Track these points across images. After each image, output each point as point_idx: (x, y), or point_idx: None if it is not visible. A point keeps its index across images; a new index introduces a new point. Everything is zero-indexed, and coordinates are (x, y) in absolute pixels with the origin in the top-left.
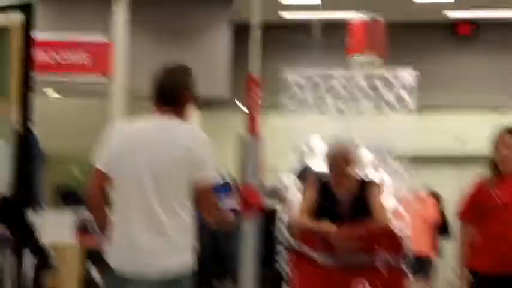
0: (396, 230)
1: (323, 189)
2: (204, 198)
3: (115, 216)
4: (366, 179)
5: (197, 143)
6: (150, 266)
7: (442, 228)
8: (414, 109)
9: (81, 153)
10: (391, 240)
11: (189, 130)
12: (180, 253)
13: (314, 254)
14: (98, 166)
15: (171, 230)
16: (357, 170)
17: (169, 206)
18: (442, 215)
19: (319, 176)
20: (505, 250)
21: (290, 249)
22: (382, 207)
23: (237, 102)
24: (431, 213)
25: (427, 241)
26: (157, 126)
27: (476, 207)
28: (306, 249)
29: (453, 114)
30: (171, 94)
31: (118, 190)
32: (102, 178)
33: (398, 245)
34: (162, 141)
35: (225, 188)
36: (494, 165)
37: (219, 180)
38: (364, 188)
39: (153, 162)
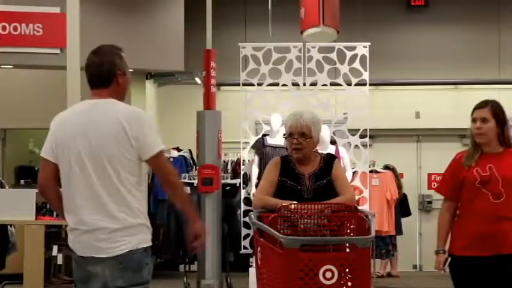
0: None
1: (284, 165)
2: (156, 170)
3: (65, 203)
4: (328, 154)
5: (132, 119)
6: (100, 248)
7: (399, 204)
8: (369, 82)
9: (37, 127)
10: (356, 218)
11: (122, 109)
12: (127, 231)
13: (276, 234)
14: (44, 156)
15: (116, 210)
16: (318, 146)
17: (113, 187)
18: (399, 189)
19: (278, 152)
20: (484, 231)
21: (255, 230)
22: (347, 183)
23: (192, 75)
24: (391, 188)
25: (388, 218)
26: (92, 109)
27: (455, 183)
28: (268, 229)
29: (409, 89)
30: (101, 75)
31: (64, 177)
32: (50, 167)
33: (363, 224)
34: (97, 122)
35: (181, 163)
36: (474, 140)
37: (162, 149)
38: (327, 163)
39: (92, 145)
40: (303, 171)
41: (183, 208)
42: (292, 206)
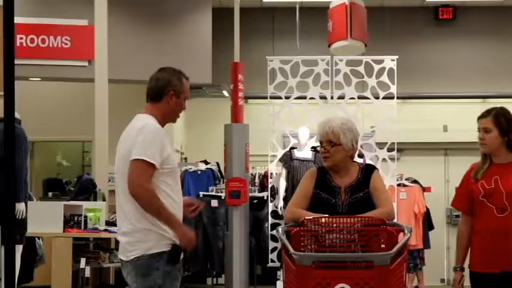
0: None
1: (320, 177)
2: (129, 173)
3: None
4: (367, 165)
5: (138, 133)
6: (122, 251)
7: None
8: (397, 96)
9: (65, 140)
10: (387, 233)
11: (140, 124)
12: (136, 236)
13: (290, 248)
14: None
15: (130, 216)
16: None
17: (126, 194)
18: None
19: (315, 165)
20: (491, 247)
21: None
22: (386, 195)
23: (220, 88)
24: (419, 202)
25: (415, 231)
26: (131, 123)
27: (468, 196)
28: (285, 243)
29: (437, 102)
30: (153, 90)
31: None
32: None
33: (394, 239)
34: (125, 136)
35: (208, 175)
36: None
37: (142, 159)
38: (365, 174)
39: (119, 157)
40: (339, 183)
41: (158, 219)
42: (321, 219)
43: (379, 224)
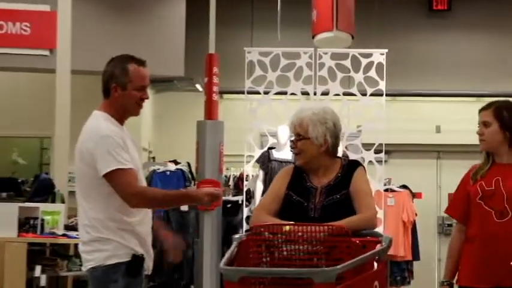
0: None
1: (295, 176)
2: (113, 187)
3: None
4: (350, 161)
5: (90, 137)
6: (83, 260)
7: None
8: (385, 93)
9: (22, 135)
10: (353, 246)
11: (89, 127)
12: (93, 245)
13: (223, 261)
14: None
15: (87, 223)
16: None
17: (80, 200)
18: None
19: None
20: (485, 258)
21: None
22: (368, 198)
23: (193, 82)
24: (408, 209)
25: (404, 241)
26: (86, 123)
27: (464, 201)
28: (228, 253)
29: (429, 100)
30: (102, 85)
31: None
32: None
33: (361, 253)
34: (80, 142)
35: (178, 177)
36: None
37: (111, 168)
38: (347, 172)
39: (75, 158)
40: (316, 183)
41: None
42: (284, 227)
43: (342, 233)
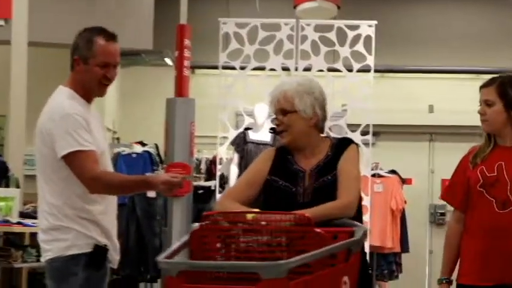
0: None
1: (278, 159)
2: (72, 171)
3: None
4: (341, 139)
5: (51, 117)
6: (42, 250)
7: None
8: (374, 69)
9: None
10: (319, 238)
11: (50, 105)
12: (52, 234)
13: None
14: None
15: (47, 210)
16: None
17: (40, 184)
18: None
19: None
20: (486, 252)
21: None
22: (350, 182)
23: (162, 55)
24: (397, 196)
25: (392, 232)
26: (48, 101)
27: (464, 186)
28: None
29: (422, 77)
30: (70, 59)
31: None
32: None
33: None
34: (40, 121)
35: (145, 160)
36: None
37: (70, 150)
38: (337, 151)
39: (36, 143)
40: (304, 166)
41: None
42: (246, 215)
43: (305, 223)
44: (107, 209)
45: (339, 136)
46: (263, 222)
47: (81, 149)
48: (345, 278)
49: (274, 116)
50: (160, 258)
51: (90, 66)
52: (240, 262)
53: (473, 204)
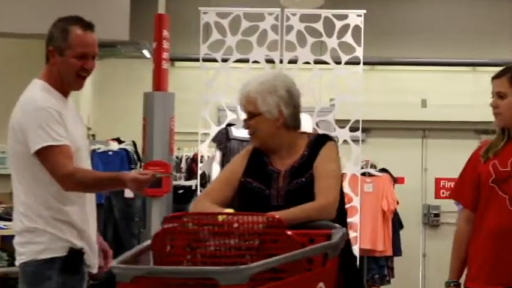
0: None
1: (254, 159)
2: (45, 167)
3: None
4: (318, 136)
5: (23, 111)
6: (16, 254)
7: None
8: (363, 61)
9: None
10: (290, 241)
11: (23, 99)
12: (26, 237)
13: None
14: None
15: (21, 211)
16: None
17: (15, 184)
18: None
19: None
20: (498, 254)
21: None
22: (328, 180)
23: (139, 47)
24: (388, 196)
25: (383, 234)
26: (22, 95)
27: (474, 183)
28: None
29: (414, 70)
30: (45, 50)
31: None
32: None
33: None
34: (13, 115)
35: (122, 158)
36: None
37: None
38: (314, 150)
39: (9, 140)
40: (279, 166)
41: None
42: (218, 217)
43: (277, 225)
44: (83, 209)
45: (321, 132)
46: (235, 225)
47: (54, 143)
48: (321, 284)
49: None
50: (115, 262)
51: (67, 57)
52: (197, 268)
53: (484, 202)
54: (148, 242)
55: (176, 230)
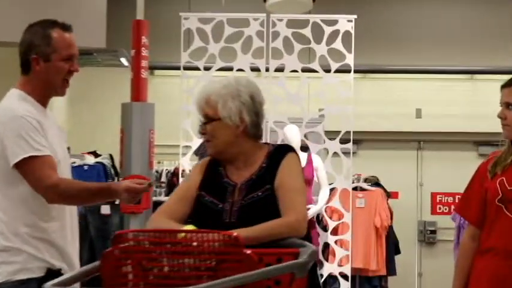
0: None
1: (210, 171)
2: (26, 179)
3: None
4: (278, 146)
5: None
6: None
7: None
8: (354, 69)
9: None
10: (245, 260)
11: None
12: (2, 256)
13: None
14: None
15: None
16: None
17: None
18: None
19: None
20: (501, 275)
21: None
22: (297, 195)
23: (117, 55)
24: (381, 212)
25: (376, 252)
26: None
27: (481, 199)
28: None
29: (408, 78)
30: (20, 59)
31: None
32: None
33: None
34: None
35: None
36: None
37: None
38: (273, 161)
39: None
40: (235, 179)
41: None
42: (178, 234)
43: (233, 243)
44: (64, 226)
45: (309, 148)
46: (194, 243)
47: (35, 154)
48: None
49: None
50: (48, 285)
51: (54, 62)
52: None
53: (490, 221)
54: (97, 262)
55: (129, 249)
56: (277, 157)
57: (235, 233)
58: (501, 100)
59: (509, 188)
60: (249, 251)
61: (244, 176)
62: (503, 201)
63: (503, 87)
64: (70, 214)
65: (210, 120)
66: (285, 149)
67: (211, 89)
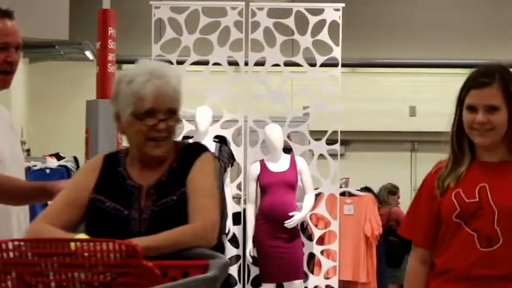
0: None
1: (107, 171)
2: None
3: None
4: (189, 145)
5: None
6: None
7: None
8: (342, 63)
9: None
10: (148, 274)
11: None
12: None
13: None
14: None
15: None
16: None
17: None
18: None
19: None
20: None
21: None
22: (207, 199)
23: (81, 48)
24: (372, 219)
25: (366, 263)
26: None
27: (429, 218)
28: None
29: (401, 73)
30: None
31: None
32: None
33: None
34: None
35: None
36: (459, 142)
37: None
38: (185, 161)
39: None
40: (141, 181)
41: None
42: (69, 244)
43: (131, 254)
44: (9, 226)
45: (293, 150)
46: (85, 254)
47: None
48: None
49: (150, 113)
50: None
51: None
52: None
53: (447, 240)
54: None
55: (10, 262)
56: (190, 156)
57: (133, 242)
58: (478, 102)
59: (467, 200)
60: (150, 264)
61: (150, 177)
62: (461, 216)
63: (478, 87)
64: (16, 213)
65: (173, 115)
66: (199, 148)
67: (172, 78)
